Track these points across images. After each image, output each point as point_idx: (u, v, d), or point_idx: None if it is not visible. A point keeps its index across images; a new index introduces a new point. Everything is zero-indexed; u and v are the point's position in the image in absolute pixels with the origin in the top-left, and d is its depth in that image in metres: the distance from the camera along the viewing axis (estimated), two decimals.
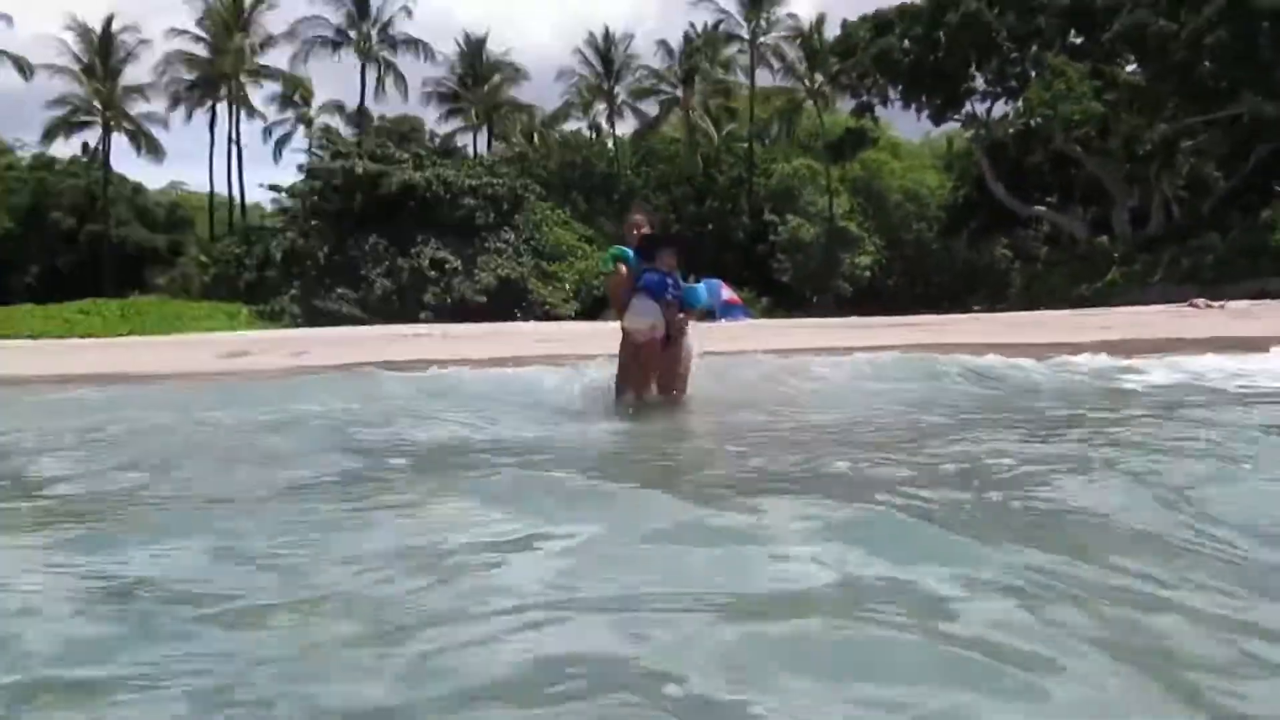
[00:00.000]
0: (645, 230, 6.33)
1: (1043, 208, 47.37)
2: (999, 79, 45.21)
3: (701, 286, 6.25)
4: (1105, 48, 40.29)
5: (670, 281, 6.02)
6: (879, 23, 45.77)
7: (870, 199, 54.97)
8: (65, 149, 54.68)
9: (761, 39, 51.74)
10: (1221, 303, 27.26)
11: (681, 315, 6.15)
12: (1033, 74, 42.66)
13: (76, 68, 48.67)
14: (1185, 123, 39.88)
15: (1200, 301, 27.49)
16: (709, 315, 6.62)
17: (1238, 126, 39.72)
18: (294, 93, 54.11)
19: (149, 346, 23.28)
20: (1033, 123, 43.00)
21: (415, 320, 35.49)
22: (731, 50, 53.57)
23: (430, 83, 55.17)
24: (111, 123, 50.03)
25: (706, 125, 54.04)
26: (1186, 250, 37.59)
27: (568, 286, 43.92)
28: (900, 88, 45.96)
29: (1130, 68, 41.21)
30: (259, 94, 53.60)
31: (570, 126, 57.84)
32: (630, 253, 6.14)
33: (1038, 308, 33.64)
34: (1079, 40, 42.92)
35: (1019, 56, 43.57)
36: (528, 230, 45.35)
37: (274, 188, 47.60)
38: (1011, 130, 45.61)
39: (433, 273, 41.79)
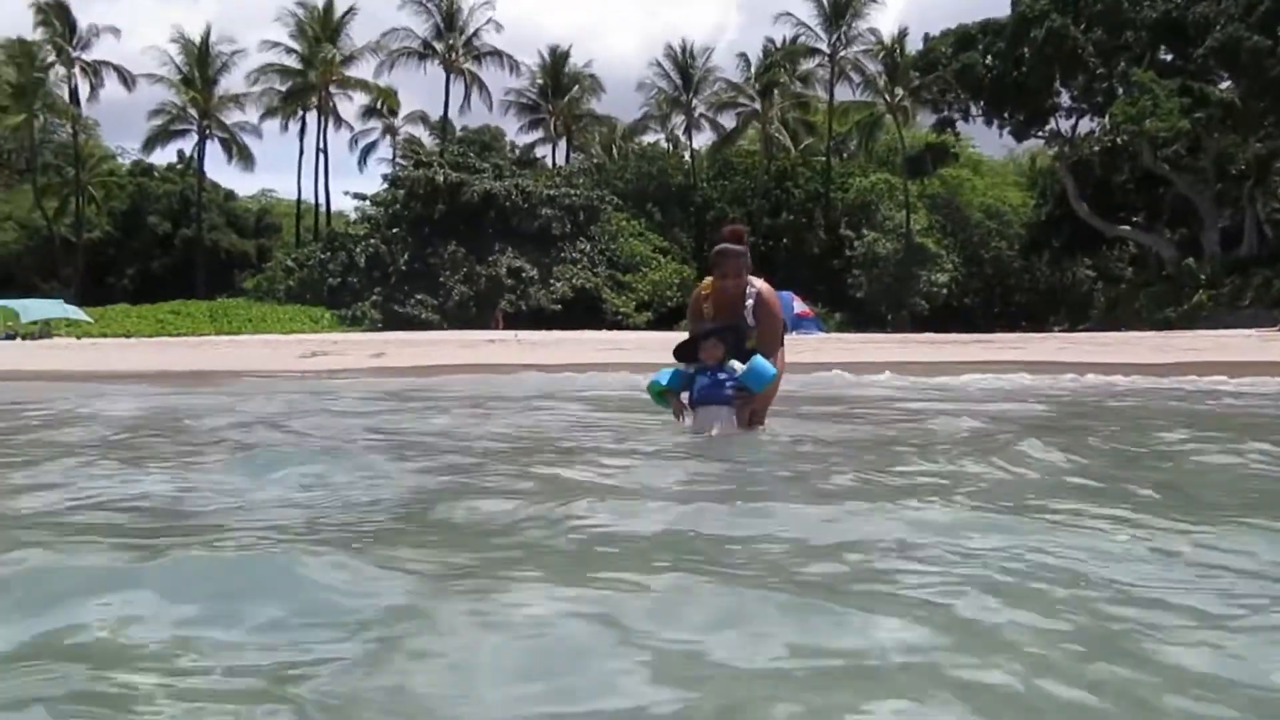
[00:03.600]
0: (741, 277, 5.43)
1: (1128, 227, 46.23)
2: (1085, 95, 44.31)
3: (761, 364, 5.22)
4: (1197, 64, 39.28)
5: (724, 377, 5.26)
6: (961, 37, 45.28)
7: (950, 216, 54.29)
8: (163, 156, 57.08)
9: (841, 53, 51.52)
10: None
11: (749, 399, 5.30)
12: (1119, 90, 41.73)
13: (176, 78, 50.71)
14: None
15: None
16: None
17: None
18: (380, 103, 55.57)
19: (235, 345, 24.14)
20: (1118, 140, 42.07)
21: (489, 327, 36.16)
22: (811, 64, 53.45)
23: (512, 94, 56.25)
24: (207, 130, 51.98)
25: (784, 138, 54.01)
26: (1279, 273, 36.37)
27: (641, 296, 44.26)
28: (982, 103, 45.35)
29: (1224, 84, 40.05)
30: (347, 105, 55.27)
31: (648, 139, 58.40)
32: (665, 378, 5.46)
33: (1120, 329, 32.86)
34: (1169, 57, 41.91)
35: (1105, 72, 42.65)
36: (603, 240, 45.89)
37: (358, 196, 49.07)
38: (1097, 148, 44.62)
39: (509, 281, 42.53)
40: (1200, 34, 38.68)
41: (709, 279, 5.64)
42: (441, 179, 43.36)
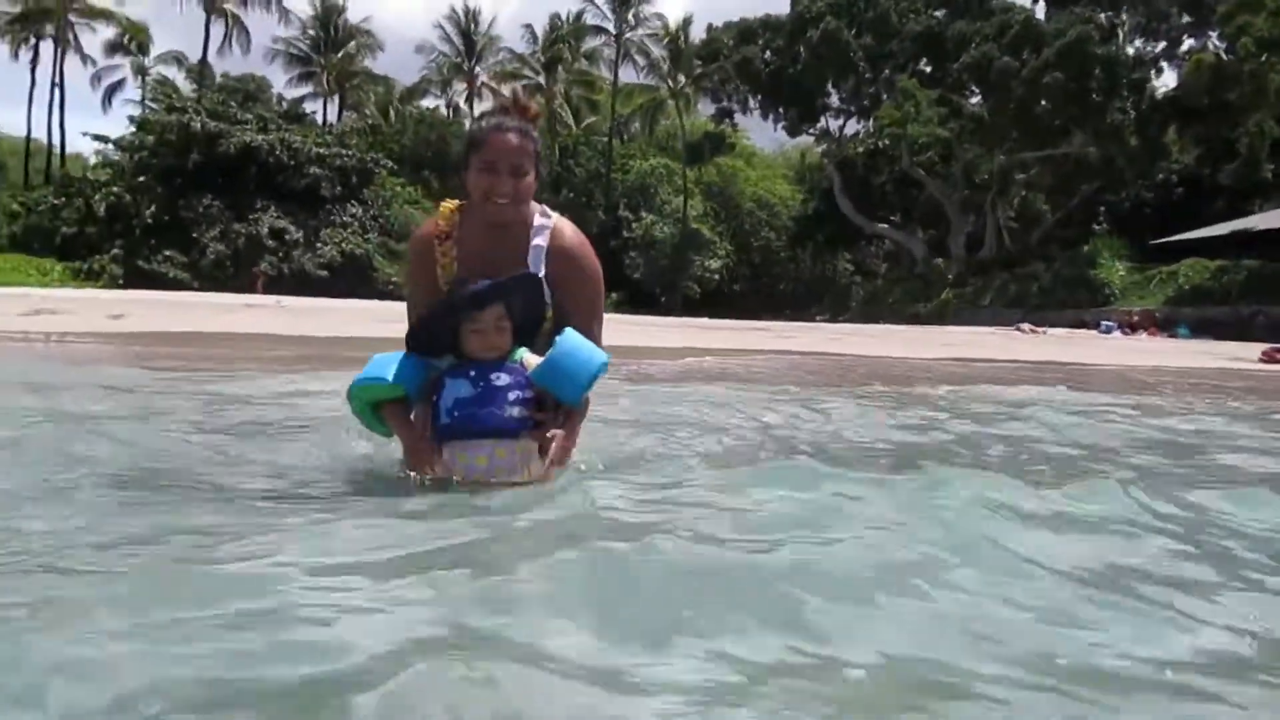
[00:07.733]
0: (524, 183, 2.72)
1: (886, 226, 49.14)
2: (854, 97, 46.66)
3: (574, 343, 2.67)
4: (953, 78, 42.09)
5: (505, 383, 2.64)
6: (743, 31, 46.54)
7: (723, 204, 55.83)
8: None
9: (627, 34, 51.75)
10: (1044, 329, 28.84)
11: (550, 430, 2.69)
12: (885, 96, 44.16)
13: None
14: (1020, 156, 42.07)
15: (1026, 326, 28.98)
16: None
17: (1066, 164, 42.23)
18: (129, 38, 50.63)
19: None
20: (881, 143, 44.64)
21: (249, 290, 33.66)
22: (596, 42, 53.47)
23: (281, 42, 52.84)
24: None
25: (567, 115, 53.71)
26: (1015, 277, 39.68)
27: None
28: (760, 97, 46.83)
29: (975, 99, 43.16)
30: (90, 37, 50.04)
31: (427, 103, 56.47)
32: (385, 369, 2.68)
33: (876, 321, 34.76)
34: (929, 69, 44.73)
35: (873, 77, 45.04)
36: (376, 206, 43.84)
37: (99, 138, 44.31)
38: (861, 149, 47.17)
39: (271, 242, 39.78)
40: (958, 50, 41.43)
41: (446, 204, 2.96)
42: (198, 126, 39.86)
